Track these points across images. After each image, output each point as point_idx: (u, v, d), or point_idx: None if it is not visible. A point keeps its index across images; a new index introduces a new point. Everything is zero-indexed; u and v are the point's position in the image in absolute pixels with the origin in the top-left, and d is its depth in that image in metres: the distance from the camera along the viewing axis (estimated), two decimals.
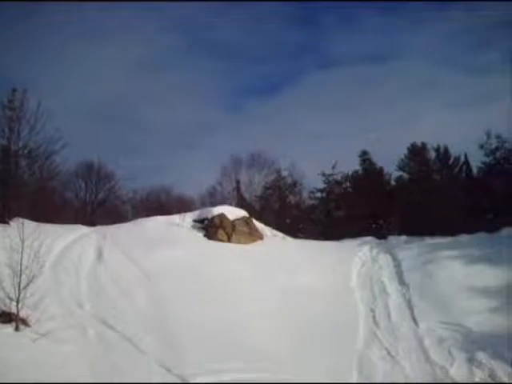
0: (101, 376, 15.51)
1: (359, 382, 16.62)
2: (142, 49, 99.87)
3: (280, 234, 34.28)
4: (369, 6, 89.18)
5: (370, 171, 45.48)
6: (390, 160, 45.22)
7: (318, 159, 71.94)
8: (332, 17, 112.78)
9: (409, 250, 28.64)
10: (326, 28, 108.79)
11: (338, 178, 46.40)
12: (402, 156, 43.58)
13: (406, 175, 43.77)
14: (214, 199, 51.82)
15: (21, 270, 17.99)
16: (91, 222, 34.49)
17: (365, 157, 46.23)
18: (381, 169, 45.79)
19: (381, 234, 34.41)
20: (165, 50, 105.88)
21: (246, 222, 31.49)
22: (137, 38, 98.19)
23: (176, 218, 32.33)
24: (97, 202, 54.16)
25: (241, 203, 44.78)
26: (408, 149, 43.38)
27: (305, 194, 50.57)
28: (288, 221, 43.73)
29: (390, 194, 42.55)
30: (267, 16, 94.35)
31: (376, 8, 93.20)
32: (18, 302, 17.63)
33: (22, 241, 18.41)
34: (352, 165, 46.87)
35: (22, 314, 17.73)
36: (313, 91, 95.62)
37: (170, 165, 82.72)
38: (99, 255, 24.94)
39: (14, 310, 17.68)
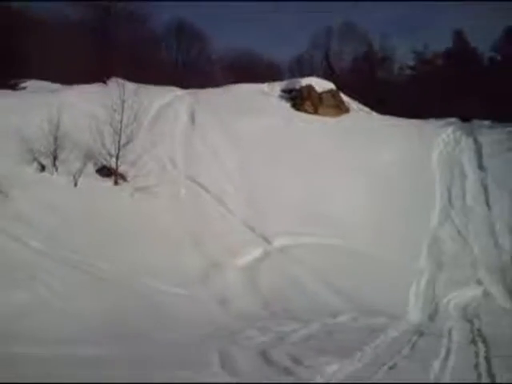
0: (193, 225, 17.32)
1: (428, 259, 17.49)
2: None
3: (366, 109, 34.33)
4: None
5: (462, 50, 44.48)
6: (485, 41, 44.09)
7: (410, 35, 69.85)
8: None
9: (492, 135, 27.96)
10: None
11: (429, 56, 45.58)
12: (497, 37, 42.40)
13: (499, 57, 42.64)
14: (301, 69, 51.62)
15: (121, 129, 19.32)
16: (182, 84, 35.01)
17: (459, 35, 45.11)
18: (474, 48, 44.71)
19: (465, 117, 33.90)
20: None
21: (333, 94, 31.60)
22: None
23: (265, 86, 32.82)
24: (188, 63, 54.73)
25: (329, 75, 44.61)
26: (504, 31, 42.01)
27: (394, 71, 49.92)
28: (375, 96, 43.46)
29: (481, 75, 41.66)
30: None
31: None
32: (117, 159, 19.16)
33: (123, 101, 19.60)
34: (445, 43, 45.89)
35: (121, 169, 19.34)
36: None
37: (259, 25, 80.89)
38: (192, 118, 26.10)
39: (113, 165, 19.28)
